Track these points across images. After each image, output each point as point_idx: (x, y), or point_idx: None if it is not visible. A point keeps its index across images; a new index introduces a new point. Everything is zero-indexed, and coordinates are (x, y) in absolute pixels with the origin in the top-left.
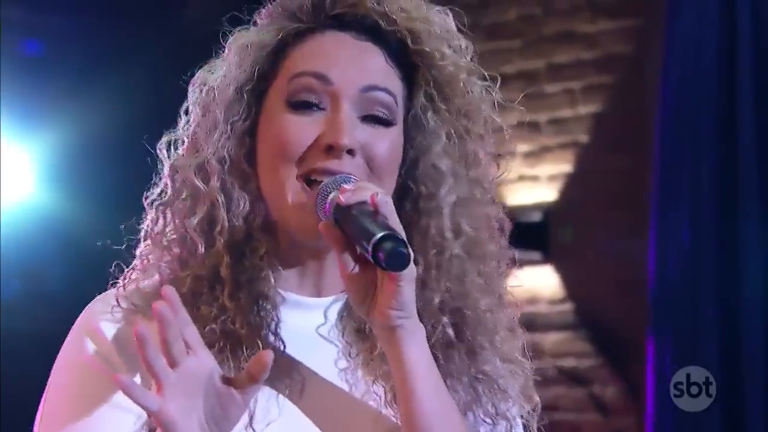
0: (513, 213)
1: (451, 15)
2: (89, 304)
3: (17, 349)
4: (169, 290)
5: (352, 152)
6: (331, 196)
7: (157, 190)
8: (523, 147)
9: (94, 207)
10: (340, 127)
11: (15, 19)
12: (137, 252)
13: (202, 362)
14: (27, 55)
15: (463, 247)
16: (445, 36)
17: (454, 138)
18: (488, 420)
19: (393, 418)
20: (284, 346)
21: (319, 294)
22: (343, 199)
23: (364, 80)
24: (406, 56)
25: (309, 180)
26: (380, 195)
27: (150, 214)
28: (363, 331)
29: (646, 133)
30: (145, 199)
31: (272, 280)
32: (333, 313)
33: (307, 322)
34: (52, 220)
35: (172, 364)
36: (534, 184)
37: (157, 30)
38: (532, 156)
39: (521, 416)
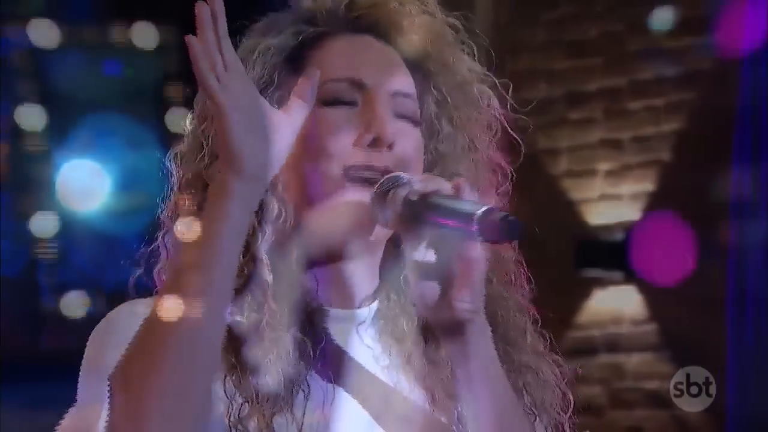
0: (595, 232)
1: (461, 18)
2: (122, 305)
3: None
4: None
5: (392, 146)
6: (394, 191)
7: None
8: (605, 165)
9: None
10: (382, 120)
11: (94, 41)
12: (156, 269)
13: (251, 80)
14: (107, 74)
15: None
16: (458, 44)
17: (465, 145)
18: (532, 411)
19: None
20: (326, 338)
21: (347, 304)
22: (420, 187)
23: (393, 85)
24: (418, 63)
25: (352, 177)
26: (462, 180)
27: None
28: (396, 337)
29: (730, 150)
30: (162, 212)
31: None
32: (365, 321)
33: (343, 327)
34: (128, 238)
35: (224, 63)
36: (616, 202)
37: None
38: (615, 174)
39: (558, 413)
